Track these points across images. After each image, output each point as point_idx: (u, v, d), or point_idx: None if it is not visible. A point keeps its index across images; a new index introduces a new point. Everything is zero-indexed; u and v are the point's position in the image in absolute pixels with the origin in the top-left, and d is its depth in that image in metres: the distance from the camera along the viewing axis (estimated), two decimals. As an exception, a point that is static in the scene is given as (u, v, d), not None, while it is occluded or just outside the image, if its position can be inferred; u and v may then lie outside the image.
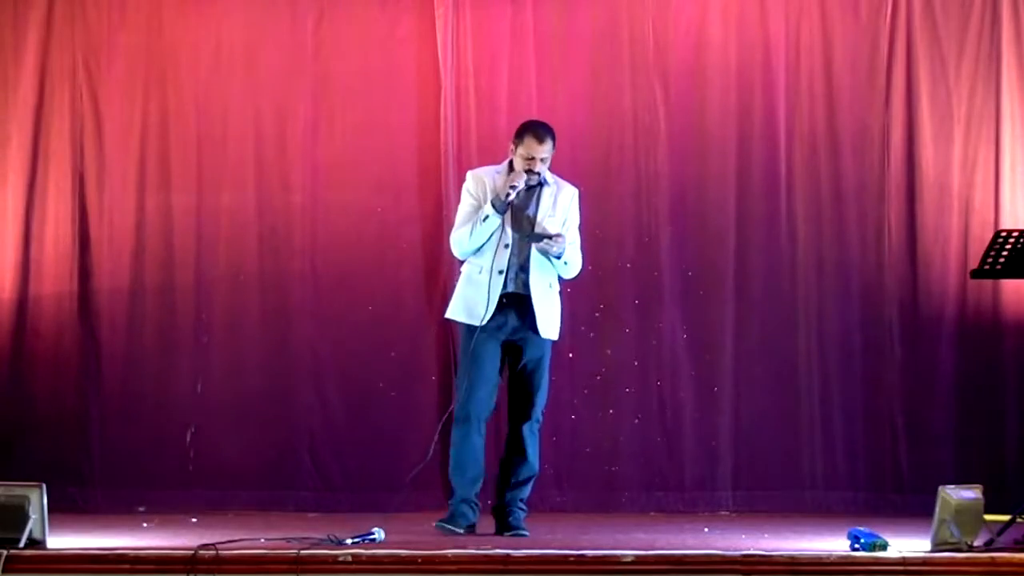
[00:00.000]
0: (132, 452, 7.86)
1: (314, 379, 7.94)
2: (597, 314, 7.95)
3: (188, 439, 7.89)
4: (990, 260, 6.74)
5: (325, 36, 8.06)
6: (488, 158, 7.57)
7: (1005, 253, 6.70)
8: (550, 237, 6.50)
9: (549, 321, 6.62)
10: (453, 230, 6.66)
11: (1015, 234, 6.71)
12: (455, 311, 6.65)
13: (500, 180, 6.59)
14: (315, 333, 7.95)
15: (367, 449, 7.82)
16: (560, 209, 6.65)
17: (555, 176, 6.75)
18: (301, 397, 7.93)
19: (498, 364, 6.63)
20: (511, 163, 6.65)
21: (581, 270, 6.81)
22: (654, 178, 7.99)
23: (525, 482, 6.66)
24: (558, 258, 6.56)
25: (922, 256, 7.91)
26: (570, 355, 7.91)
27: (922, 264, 7.90)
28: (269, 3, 8.08)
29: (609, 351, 7.92)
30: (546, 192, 6.64)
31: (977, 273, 6.87)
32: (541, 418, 6.69)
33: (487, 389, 6.59)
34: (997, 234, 6.80)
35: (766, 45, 8.02)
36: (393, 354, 7.82)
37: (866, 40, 8.00)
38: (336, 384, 7.94)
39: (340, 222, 7.99)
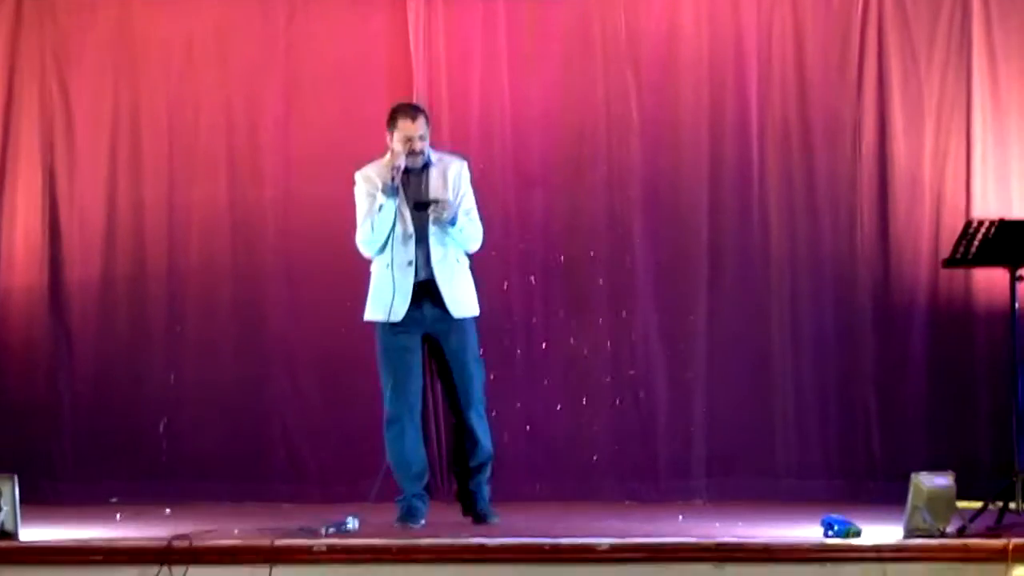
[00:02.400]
0: (104, 443, 7.85)
1: (287, 370, 7.93)
2: (570, 304, 7.95)
3: (161, 430, 7.88)
4: (961, 249, 6.79)
5: (297, 30, 8.04)
6: (459, 149, 7.58)
7: (976, 242, 6.74)
8: (436, 202, 6.45)
9: (461, 299, 6.56)
10: (357, 230, 6.61)
11: (986, 223, 6.75)
12: (370, 312, 6.60)
13: (385, 171, 6.54)
14: (288, 325, 7.94)
15: (341, 440, 7.81)
16: (451, 184, 6.61)
17: (439, 153, 6.76)
18: (274, 388, 7.92)
19: (420, 358, 6.61)
20: (392, 152, 6.61)
21: (484, 242, 6.75)
22: (626, 168, 7.99)
23: (483, 466, 6.66)
24: (452, 225, 6.48)
25: (894, 246, 7.93)
26: (543, 344, 7.92)
27: (894, 254, 7.92)
28: (241, -4, 8.09)
29: (582, 340, 7.91)
30: (433, 172, 6.62)
31: (949, 262, 6.91)
32: (484, 399, 6.69)
33: (413, 386, 6.57)
34: (968, 223, 6.84)
35: (738, 36, 8.03)
36: (366, 345, 7.80)
37: (838, 31, 8.01)
38: (309, 375, 7.93)
39: (312, 215, 7.96)
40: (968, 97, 7.93)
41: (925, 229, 7.92)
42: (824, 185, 8.00)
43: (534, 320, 7.93)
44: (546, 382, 7.92)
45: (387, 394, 6.55)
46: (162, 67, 8.03)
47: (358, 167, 7.79)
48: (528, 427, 7.87)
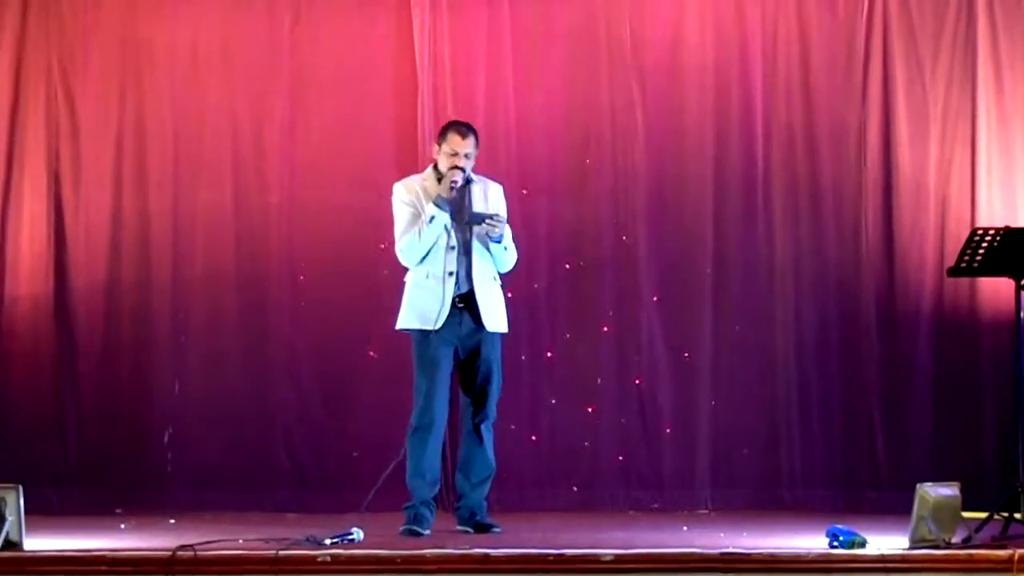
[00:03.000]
0: (109, 453, 7.84)
1: (292, 379, 7.92)
2: (575, 312, 7.95)
3: (166, 440, 7.86)
4: (967, 258, 6.77)
5: (302, 35, 8.04)
6: (464, 157, 7.62)
7: (982, 251, 6.72)
8: (491, 216, 6.56)
9: (495, 314, 6.68)
10: (398, 240, 6.67)
11: (991, 232, 6.73)
12: (407, 320, 6.66)
13: (429, 185, 6.67)
14: (293, 333, 7.93)
15: (345, 449, 7.81)
16: (492, 204, 6.73)
17: (478, 175, 6.81)
18: (279, 397, 7.91)
19: (451, 369, 6.68)
20: (435, 166, 6.72)
21: (517, 263, 6.85)
22: (632, 176, 8.00)
23: (486, 480, 6.73)
24: (498, 242, 6.61)
25: (899, 254, 7.93)
26: (548, 354, 7.92)
27: (899, 262, 7.93)
28: (245, 2, 8.06)
29: (587, 349, 7.92)
30: (475, 189, 6.72)
31: (954, 271, 6.89)
32: (496, 413, 6.75)
33: (445, 395, 6.65)
34: (974, 232, 6.82)
35: (743, 43, 8.04)
36: (372, 353, 7.81)
37: (843, 38, 8.02)
38: (314, 384, 7.93)
39: (317, 221, 7.97)
40: (973, 105, 7.93)
41: (930, 237, 7.92)
42: (829, 193, 8.01)
43: (539, 328, 7.93)
44: (551, 390, 7.92)
45: (419, 403, 6.60)
46: (167, 73, 8.02)
47: (364, 172, 7.83)
48: (533, 436, 7.87)
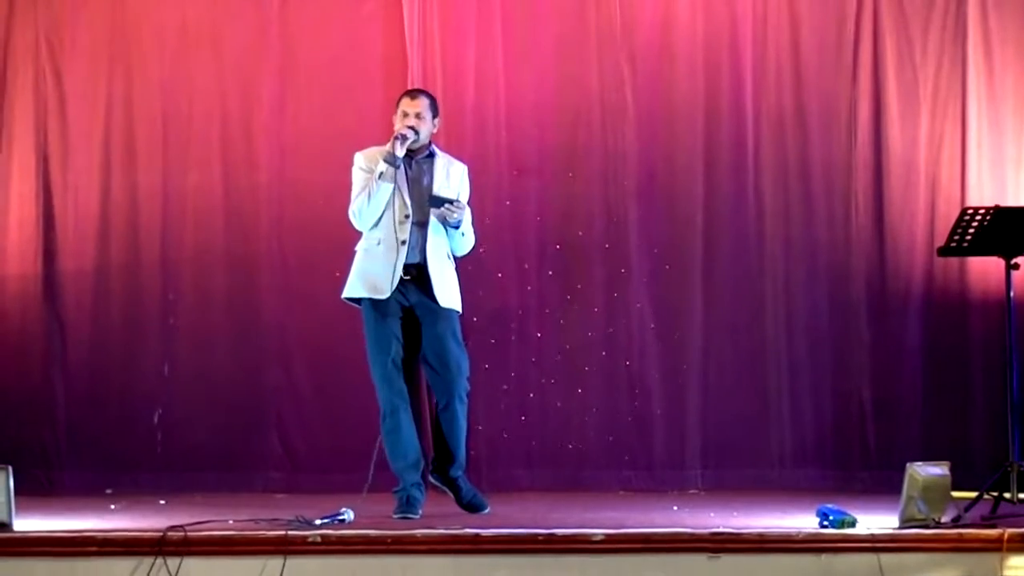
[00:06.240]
0: (99, 434, 7.82)
1: (282, 360, 7.91)
2: (565, 294, 7.94)
3: (155, 421, 7.86)
4: (956, 237, 6.78)
5: (291, 14, 8.01)
6: (454, 138, 7.60)
7: (972, 230, 6.73)
8: (450, 202, 6.44)
9: (448, 290, 6.52)
10: (351, 203, 6.56)
11: (981, 211, 6.74)
12: (355, 288, 6.52)
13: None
14: (283, 313, 7.92)
15: (335, 430, 7.80)
16: (453, 181, 6.63)
17: (444, 152, 6.74)
18: (269, 378, 7.89)
19: (403, 342, 6.54)
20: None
21: (475, 247, 6.77)
22: (622, 157, 7.98)
23: (462, 452, 6.66)
24: (456, 227, 6.49)
25: (889, 233, 7.93)
26: (538, 335, 7.91)
27: (889, 241, 7.93)
28: (234, -19, 8.05)
29: (577, 330, 7.91)
30: (438, 163, 6.62)
31: (944, 251, 6.90)
32: (468, 385, 6.65)
33: (403, 374, 6.54)
34: (964, 211, 6.83)
35: (733, 23, 8.02)
36: (361, 334, 7.79)
37: (833, 17, 8.01)
38: (304, 365, 7.92)
39: (307, 202, 7.94)
40: (963, 83, 7.93)
41: (920, 216, 7.93)
42: (819, 171, 8.00)
43: (528, 309, 7.92)
44: (541, 372, 7.91)
45: (380, 385, 6.51)
46: (156, 53, 7.99)
47: (353, 153, 7.79)
48: (523, 417, 7.86)
